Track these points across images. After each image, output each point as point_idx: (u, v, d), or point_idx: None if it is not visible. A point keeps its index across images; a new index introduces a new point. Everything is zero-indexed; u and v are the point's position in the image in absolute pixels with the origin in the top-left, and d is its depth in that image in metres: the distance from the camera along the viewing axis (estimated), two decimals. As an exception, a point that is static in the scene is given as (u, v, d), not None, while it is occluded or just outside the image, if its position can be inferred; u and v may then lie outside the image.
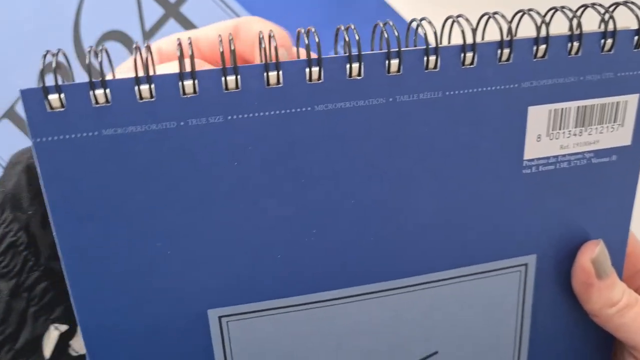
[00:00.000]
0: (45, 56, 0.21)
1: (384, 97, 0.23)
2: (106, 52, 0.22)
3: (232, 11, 0.40)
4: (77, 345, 0.28)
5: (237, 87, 0.21)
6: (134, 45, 0.21)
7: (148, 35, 0.40)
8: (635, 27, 0.24)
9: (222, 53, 0.21)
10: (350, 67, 0.22)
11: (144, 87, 0.21)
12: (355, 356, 0.26)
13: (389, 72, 0.22)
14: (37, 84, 0.21)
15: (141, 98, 0.21)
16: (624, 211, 0.27)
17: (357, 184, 0.24)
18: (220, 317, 0.24)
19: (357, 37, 0.22)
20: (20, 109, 0.43)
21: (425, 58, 0.22)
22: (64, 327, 0.27)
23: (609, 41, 0.24)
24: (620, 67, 0.24)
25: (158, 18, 0.40)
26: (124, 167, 0.22)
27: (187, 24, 0.40)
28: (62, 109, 0.21)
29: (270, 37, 0.22)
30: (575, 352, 0.29)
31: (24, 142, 0.35)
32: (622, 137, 0.26)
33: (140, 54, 0.21)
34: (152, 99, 0.21)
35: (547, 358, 0.29)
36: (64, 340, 0.28)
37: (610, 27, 0.24)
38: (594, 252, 0.26)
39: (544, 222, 0.26)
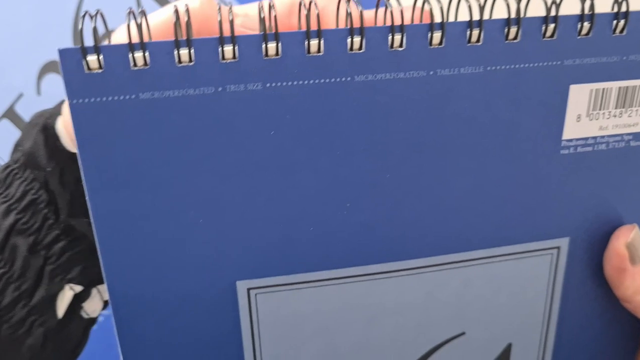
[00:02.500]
0: (84, 17, 0.21)
1: (424, 70, 0.22)
2: (101, 16, 0.21)
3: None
4: (90, 308, 0.28)
5: (277, 54, 0.21)
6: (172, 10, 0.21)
7: None
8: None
9: (262, 19, 0.21)
10: (393, 38, 0.22)
11: (184, 51, 0.21)
12: (384, 333, 0.26)
13: (431, 44, 0.22)
14: (75, 44, 0.20)
15: (180, 62, 0.21)
16: (660, 196, 0.26)
17: (393, 158, 0.23)
18: (249, 289, 0.24)
19: (400, 5, 0.22)
20: (19, 109, 0.42)
21: (468, 31, 0.22)
22: (78, 288, 0.27)
23: (655, 20, 0.23)
24: (664, 47, 0.24)
25: None
26: (160, 132, 0.21)
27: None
28: (100, 71, 0.20)
29: (311, 2, 0.22)
30: (604, 337, 0.28)
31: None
32: (662, 120, 0.25)
33: (178, 17, 0.21)
34: (191, 63, 0.21)
35: (575, 342, 0.28)
36: (77, 302, 0.28)
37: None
38: (628, 236, 0.26)
39: (578, 204, 0.26)
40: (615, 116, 0.24)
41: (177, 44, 0.20)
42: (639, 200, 0.26)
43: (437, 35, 0.22)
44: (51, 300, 0.27)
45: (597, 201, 0.26)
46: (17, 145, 0.28)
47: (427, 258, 0.25)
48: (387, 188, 0.24)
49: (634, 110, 0.25)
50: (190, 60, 0.21)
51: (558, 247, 0.26)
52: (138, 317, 0.24)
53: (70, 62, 0.20)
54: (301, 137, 0.22)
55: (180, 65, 0.21)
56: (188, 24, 0.21)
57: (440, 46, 0.22)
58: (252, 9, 0.26)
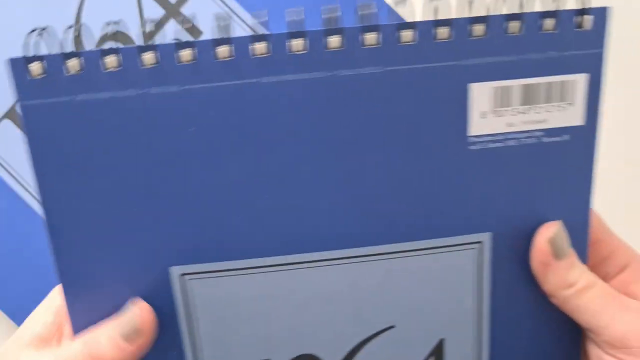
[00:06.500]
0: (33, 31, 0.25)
1: (326, 71, 0.25)
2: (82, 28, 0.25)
3: (232, 11, 0.41)
4: None
5: (192, 59, 0.24)
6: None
7: (148, 35, 0.41)
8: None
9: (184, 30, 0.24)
10: (295, 42, 0.24)
11: (111, 58, 0.24)
12: (314, 321, 0.28)
13: (329, 47, 0.24)
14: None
15: (106, 68, 0.24)
16: (582, 193, 0.27)
17: (304, 153, 0.25)
18: (181, 275, 0.27)
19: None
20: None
21: (365, 35, 0.24)
22: None
23: (550, 21, 0.25)
24: (564, 46, 0.25)
25: (158, 18, 0.41)
26: (95, 129, 0.25)
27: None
28: (43, 76, 0.24)
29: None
30: (542, 332, 0.29)
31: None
32: (573, 116, 0.26)
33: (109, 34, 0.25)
34: (117, 69, 0.24)
35: (511, 338, 0.29)
36: None
37: (554, 6, 0.24)
38: (551, 232, 0.27)
39: (497, 200, 0.27)
40: (522, 113, 0.26)
41: (104, 52, 0.24)
42: (561, 197, 0.27)
43: (335, 39, 0.24)
44: None
45: (517, 198, 0.27)
46: None
47: (348, 249, 0.27)
48: (303, 182, 0.26)
49: (540, 107, 0.26)
50: (117, 66, 0.24)
51: (480, 242, 0.27)
52: (87, 294, 0.27)
53: (17, 69, 0.24)
54: (218, 133, 0.25)
55: (107, 71, 0.24)
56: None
57: (340, 49, 0.24)
58: None
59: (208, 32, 0.41)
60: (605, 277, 0.28)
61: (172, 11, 0.41)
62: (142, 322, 0.26)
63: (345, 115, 0.25)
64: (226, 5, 0.41)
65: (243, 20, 0.42)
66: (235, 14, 0.42)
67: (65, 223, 0.26)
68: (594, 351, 0.27)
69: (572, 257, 0.27)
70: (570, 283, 0.27)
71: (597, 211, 0.29)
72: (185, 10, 0.42)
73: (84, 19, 0.41)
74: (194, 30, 0.41)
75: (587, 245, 0.28)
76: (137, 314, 0.26)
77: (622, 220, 0.32)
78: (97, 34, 0.38)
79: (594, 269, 0.28)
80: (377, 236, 0.27)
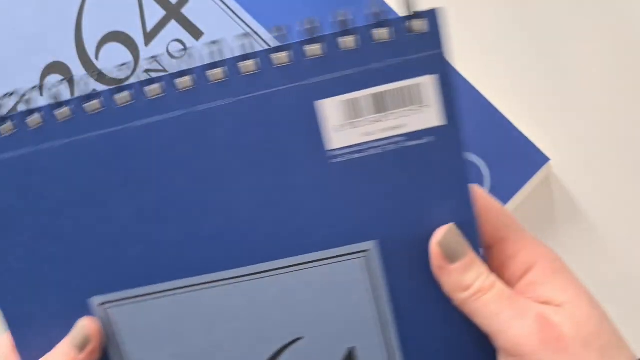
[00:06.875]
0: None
1: (182, 109, 0.27)
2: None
3: (233, 12, 0.41)
4: None
5: (69, 115, 0.27)
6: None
7: (149, 36, 0.40)
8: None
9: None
10: (150, 88, 0.27)
11: (6, 124, 0.28)
12: (225, 339, 0.30)
13: (180, 87, 0.26)
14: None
15: (2, 133, 0.28)
16: (460, 192, 0.27)
17: (181, 186, 0.28)
18: (100, 304, 0.30)
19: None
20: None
21: (210, 72, 0.26)
22: None
23: (381, 30, 0.25)
24: (404, 52, 0.25)
25: (159, 19, 0.40)
26: (3, 187, 0.29)
27: (188, 26, 0.40)
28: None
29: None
30: (457, 332, 0.28)
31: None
32: (431, 118, 0.26)
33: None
34: (12, 132, 0.28)
35: (423, 341, 0.29)
36: None
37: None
38: (439, 235, 0.26)
39: (375, 209, 0.27)
40: (377, 121, 0.26)
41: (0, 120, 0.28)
42: (441, 198, 0.27)
43: (185, 80, 0.26)
44: None
45: (396, 204, 0.27)
46: None
47: (240, 268, 0.28)
48: (185, 211, 0.28)
49: (395, 112, 0.26)
50: (12, 129, 0.28)
51: (367, 251, 0.28)
52: (28, 334, 0.31)
53: None
54: (103, 179, 0.28)
55: (3, 135, 0.28)
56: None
57: (191, 87, 0.26)
58: None
59: (209, 34, 0.41)
60: (512, 278, 0.27)
61: (173, 12, 0.40)
62: (89, 329, 0.29)
63: (208, 147, 0.27)
64: (227, 6, 0.40)
65: (245, 23, 0.41)
66: (237, 15, 0.41)
67: (2, 273, 0.30)
68: (498, 357, 0.27)
69: (468, 259, 0.26)
70: (466, 286, 0.26)
71: (504, 206, 0.29)
72: (186, 11, 0.40)
73: (85, 19, 0.40)
74: (195, 31, 0.40)
75: (480, 245, 0.27)
76: (85, 324, 0.30)
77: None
78: (98, 35, 0.36)
79: (499, 269, 0.28)
80: (262, 254, 0.28)
